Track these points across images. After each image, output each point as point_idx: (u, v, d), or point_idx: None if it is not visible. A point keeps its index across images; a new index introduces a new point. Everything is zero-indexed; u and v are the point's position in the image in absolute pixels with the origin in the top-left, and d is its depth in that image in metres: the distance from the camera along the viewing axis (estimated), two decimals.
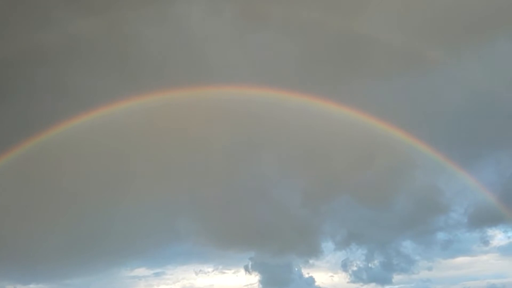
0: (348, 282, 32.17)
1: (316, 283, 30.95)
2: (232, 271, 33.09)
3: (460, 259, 33.56)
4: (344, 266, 30.06)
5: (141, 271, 32.61)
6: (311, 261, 29.96)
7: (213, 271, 33.39)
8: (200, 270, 33.11)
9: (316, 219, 30.38)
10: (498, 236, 34.10)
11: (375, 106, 25.43)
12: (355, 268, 30.49)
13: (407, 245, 30.25)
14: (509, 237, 37.91)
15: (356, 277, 30.04)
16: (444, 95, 28.70)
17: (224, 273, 32.88)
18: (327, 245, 30.62)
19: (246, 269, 30.19)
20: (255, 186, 28.60)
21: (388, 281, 31.26)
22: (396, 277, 30.66)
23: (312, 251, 29.60)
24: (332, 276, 31.72)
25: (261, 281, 30.31)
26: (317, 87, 25.00)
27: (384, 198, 29.38)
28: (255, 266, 30.42)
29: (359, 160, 28.71)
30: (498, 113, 29.54)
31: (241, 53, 25.01)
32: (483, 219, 30.89)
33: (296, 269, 30.67)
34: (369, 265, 30.70)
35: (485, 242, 32.81)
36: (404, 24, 23.82)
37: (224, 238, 29.64)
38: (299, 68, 25.65)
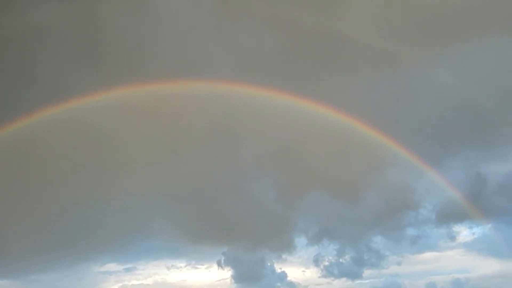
0: (319, 277, 32.80)
1: (288, 278, 31.33)
2: (205, 266, 32.98)
3: (428, 254, 34.69)
4: (316, 261, 30.51)
5: (111, 266, 32.03)
6: (284, 256, 30.30)
7: (185, 266, 33.18)
8: (172, 265, 32.85)
9: (290, 215, 30.62)
10: (464, 232, 35.43)
11: (349, 104, 25.75)
12: (326, 263, 30.98)
13: (378, 241, 31.00)
14: (473, 234, 39.44)
15: (328, 272, 30.54)
16: (417, 95, 29.39)
17: (196, 268, 32.74)
18: (300, 240, 30.99)
19: (219, 264, 30.15)
20: (229, 181, 28.54)
21: (359, 276, 32.01)
22: (367, 272, 31.38)
23: (285, 246, 29.91)
24: (304, 271, 32.13)
25: (233, 276, 30.37)
26: (293, 84, 25.10)
27: (356, 194, 29.89)
28: (228, 261, 30.44)
29: (333, 157, 29.06)
30: (467, 113, 30.53)
31: (218, 46, 24.77)
32: (450, 215, 31.99)
33: (269, 264, 30.91)
34: (340, 260, 31.24)
35: (452, 238, 34.04)
36: (380, 23, 24.16)
37: (197, 233, 29.48)
38: (276, 64, 25.65)
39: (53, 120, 22.23)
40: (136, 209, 27.99)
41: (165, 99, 23.13)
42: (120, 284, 31.71)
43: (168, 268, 32.75)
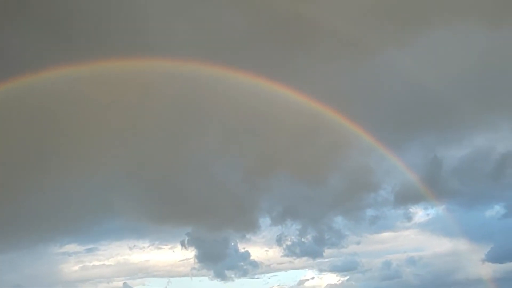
0: (281, 256, 33.69)
1: (251, 258, 31.95)
2: (169, 246, 33.01)
3: (385, 234, 36.31)
4: (279, 241, 31.24)
5: (71, 247, 31.42)
6: (248, 236, 30.78)
7: (148, 246, 33.06)
8: (135, 246, 32.63)
9: (254, 195, 30.98)
10: (419, 213, 37.26)
11: (315, 88, 26.05)
12: (289, 243, 31.77)
13: (339, 221, 32.09)
14: (428, 214, 41.54)
15: (290, 251, 31.38)
16: (380, 81, 30.10)
17: (160, 248, 32.70)
18: (264, 221, 31.55)
19: (183, 244, 30.23)
20: (194, 161, 28.39)
21: (320, 254, 33.15)
22: (327, 251, 32.51)
23: (249, 226, 30.34)
24: (267, 250, 32.85)
25: (197, 256, 30.58)
26: (261, 65, 25.02)
27: (320, 176, 30.55)
28: (192, 242, 30.58)
29: (298, 139, 29.47)
30: (427, 100, 31.64)
31: (187, 25, 24.19)
32: (408, 197, 33.48)
33: (232, 244, 31.33)
34: (302, 239, 32.13)
35: (408, 218, 35.74)
36: (349, 9, 24.33)
37: (160, 213, 29.32)
38: (245, 45, 25.43)
39: (9, 97, 21.18)
40: (97, 189, 27.41)
41: (129, 77, 22.50)
42: (81, 265, 31.24)
43: (130, 249, 32.54)
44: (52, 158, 25.08)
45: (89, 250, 31.49)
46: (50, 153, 24.95)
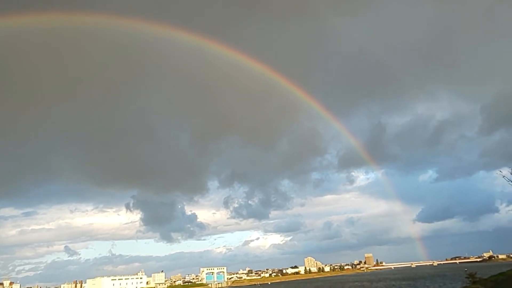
0: (228, 218, 34.73)
1: (198, 220, 32.58)
2: (113, 209, 32.59)
3: (328, 197, 38.49)
4: (226, 203, 32.02)
5: (7, 211, 30.08)
6: (195, 199, 31.16)
7: (92, 210, 32.40)
8: (76, 209, 31.85)
9: (203, 158, 31.14)
10: (360, 177, 39.86)
11: (267, 52, 25.93)
12: (236, 205, 32.68)
13: (285, 184, 33.49)
14: (368, 178, 44.99)
15: (237, 213, 32.37)
16: (331, 47, 30.62)
17: (104, 211, 32.21)
18: (213, 184, 31.95)
19: (127, 207, 29.96)
20: (138, 122, 27.69)
21: (265, 216, 34.55)
22: (273, 213, 34.01)
23: (197, 189, 30.66)
24: (214, 213, 33.52)
25: (142, 219, 30.49)
26: (212, 27, 24.38)
27: (269, 140, 31.19)
28: (137, 204, 30.49)
29: (248, 103, 29.59)
30: (374, 68, 32.85)
31: None
32: (351, 161, 35.65)
33: (179, 206, 31.60)
34: (249, 202, 33.15)
35: (350, 181, 38.26)
36: None
37: (104, 175, 28.69)
38: (196, 5, 24.51)
39: None
40: (33, 149, 26.02)
41: (69, 32, 20.99)
42: (19, 229, 30.05)
43: (72, 212, 31.70)
44: None
45: (27, 214, 30.27)
46: None
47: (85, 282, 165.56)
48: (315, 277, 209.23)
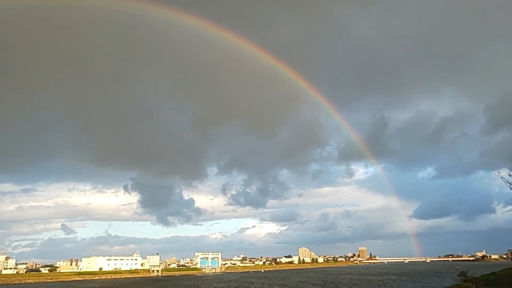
0: (225, 205, 34.86)
1: (196, 205, 32.67)
2: (112, 190, 32.68)
3: (326, 189, 38.51)
4: (224, 190, 32.08)
5: (6, 186, 30.13)
6: (194, 184, 31.30)
7: (90, 189, 32.47)
8: (74, 188, 31.89)
9: (204, 144, 31.08)
10: (360, 170, 39.81)
11: (272, 42, 25.70)
12: (234, 192, 32.71)
13: (284, 174, 33.42)
14: (367, 172, 44.89)
15: (234, 200, 32.39)
16: (336, 41, 30.36)
17: (102, 192, 32.29)
18: (212, 170, 31.97)
19: (126, 189, 29.99)
20: (142, 105, 27.59)
21: (263, 204, 34.67)
22: (270, 202, 33.97)
23: (196, 174, 30.68)
24: (212, 199, 33.63)
25: (140, 202, 30.58)
26: (215, 11, 24.10)
27: (270, 128, 31.09)
28: (135, 186, 30.53)
29: (250, 91, 29.42)
30: (379, 62, 32.58)
31: None
32: (351, 154, 35.57)
33: (177, 191, 31.65)
34: (247, 190, 33.19)
35: (349, 174, 38.21)
36: None
37: (104, 156, 28.64)
38: None
39: None
40: (33, 127, 25.98)
41: (71, 11, 20.75)
42: (17, 205, 30.14)
43: (70, 190, 31.78)
44: None
45: (25, 191, 30.32)
46: None
47: (81, 261, 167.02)
48: (308, 267, 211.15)
